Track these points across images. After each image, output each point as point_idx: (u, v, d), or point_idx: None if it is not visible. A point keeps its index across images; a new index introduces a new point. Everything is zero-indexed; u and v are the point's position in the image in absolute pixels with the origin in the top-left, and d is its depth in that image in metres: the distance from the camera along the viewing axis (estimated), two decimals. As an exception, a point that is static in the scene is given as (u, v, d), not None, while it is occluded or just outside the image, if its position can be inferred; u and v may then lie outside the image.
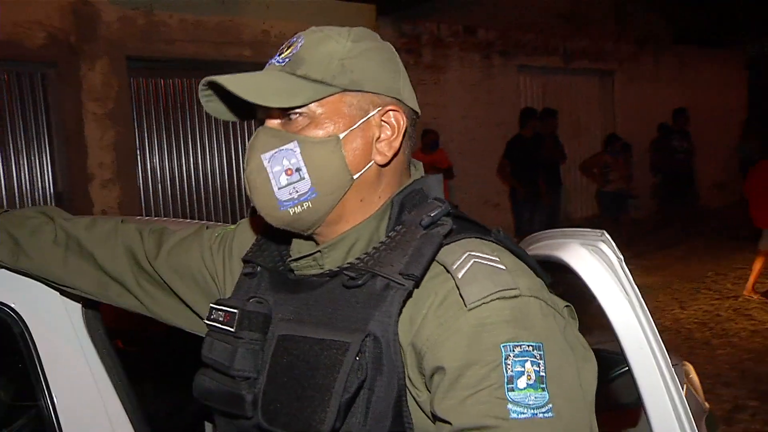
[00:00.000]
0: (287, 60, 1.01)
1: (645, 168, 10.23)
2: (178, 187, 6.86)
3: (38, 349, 1.31)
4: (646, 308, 1.12)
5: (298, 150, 0.98)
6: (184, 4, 6.55)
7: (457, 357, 0.86)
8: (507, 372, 0.83)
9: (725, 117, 12.17)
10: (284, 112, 0.99)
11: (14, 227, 1.31)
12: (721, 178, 11.93)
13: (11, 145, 5.93)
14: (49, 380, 1.31)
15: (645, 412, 1.10)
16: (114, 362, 1.40)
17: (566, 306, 0.96)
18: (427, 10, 8.50)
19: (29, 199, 6.03)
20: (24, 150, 6.00)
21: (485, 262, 0.91)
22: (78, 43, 6.03)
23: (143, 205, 6.58)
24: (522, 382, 0.83)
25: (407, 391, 0.92)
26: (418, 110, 1.07)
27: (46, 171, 6.14)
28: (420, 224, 0.96)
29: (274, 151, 0.99)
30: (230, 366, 1.01)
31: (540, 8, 9.99)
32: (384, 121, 1.02)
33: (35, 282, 1.35)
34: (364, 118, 1.00)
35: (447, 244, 0.95)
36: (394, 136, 1.02)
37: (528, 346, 0.85)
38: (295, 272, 1.07)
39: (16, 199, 5.95)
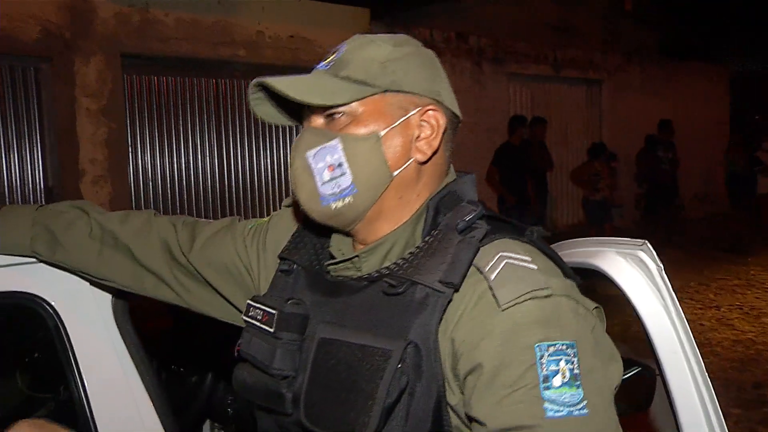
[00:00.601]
0: (331, 64, 1.05)
1: (629, 177, 10.36)
2: (169, 185, 6.84)
3: (71, 340, 1.33)
4: (684, 318, 1.15)
5: (340, 146, 1.01)
6: (180, 2, 6.54)
7: (492, 357, 0.87)
8: (542, 371, 0.85)
9: (708, 130, 12.35)
10: (328, 113, 1.03)
11: (50, 221, 1.33)
12: (704, 189, 12.10)
13: (2, 138, 5.88)
14: (81, 371, 1.33)
15: (677, 423, 1.12)
16: (141, 354, 1.42)
17: (596, 307, 0.98)
18: (420, 15, 8.56)
19: (19, 194, 5.98)
20: (15, 144, 5.96)
21: (517, 263, 0.93)
22: (73, 39, 6.00)
23: (134, 202, 6.55)
24: (557, 381, 0.84)
25: (445, 397, 0.93)
26: (460, 114, 1.10)
27: (37, 166, 6.09)
28: (456, 229, 0.99)
29: (318, 149, 1.02)
30: (269, 365, 1.04)
31: (531, 17, 10.10)
32: (424, 121, 1.05)
33: (68, 275, 1.37)
34: (404, 117, 1.03)
35: (482, 246, 0.97)
36: (433, 136, 1.05)
37: (561, 345, 0.86)
38: (332, 273, 1.10)
39: (6, 193, 5.90)
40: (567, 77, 10.49)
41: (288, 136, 7.67)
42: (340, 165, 1.01)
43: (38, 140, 6.07)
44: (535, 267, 0.94)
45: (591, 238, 1.29)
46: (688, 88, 12.19)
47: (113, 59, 6.23)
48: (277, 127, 7.49)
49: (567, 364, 0.85)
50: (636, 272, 1.16)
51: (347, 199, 1.02)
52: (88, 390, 1.33)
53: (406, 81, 1.04)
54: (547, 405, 0.83)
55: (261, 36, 7.17)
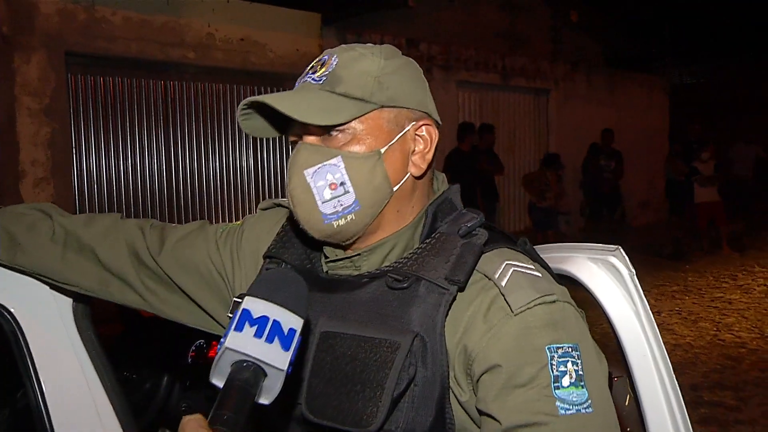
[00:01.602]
0: (324, 78, 1.05)
1: (575, 185, 10.61)
2: (115, 188, 6.66)
3: (30, 346, 1.29)
4: (654, 322, 1.18)
5: (342, 165, 1.02)
6: (128, 1, 6.39)
7: (506, 359, 0.92)
8: (553, 372, 0.91)
9: (650, 138, 12.76)
10: (325, 129, 1.03)
11: (10, 223, 1.28)
12: (646, 196, 12.48)
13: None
14: (40, 376, 1.29)
15: (645, 426, 1.16)
16: (102, 359, 1.38)
17: (580, 311, 1.04)
18: (371, 21, 8.58)
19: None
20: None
21: (524, 271, 0.99)
22: (12, 34, 5.78)
23: (77, 205, 6.35)
24: (566, 381, 0.91)
25: (451, 390, 0.97)
26: (440, 121, 1.13)
27: (-26, 166, 5.86)
28: (458, 233, 1.03)
29: (318, 167, 1.02)
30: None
31: (479, 25, 10.25)
32: (418, 135, 1.08)
33: (27, 279, 1.32)
34: (401, 133, 1.06)
35: (485, 252, 1.02)
36: (427, 149, 1.08)
37: (568, 347, 0.93)
38: (327, 272, 1.11)
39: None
40: (515, 86, 10.69)
41: (237, 138, 7.58)
42: (342, 184, 1.02)
43: (-25, 140, 5.84)
44: (540, 275, 1.00)
45: (563, 243, 1.32)
46: (630, 97, 12.57)
47: (56, 57, 6.04)
48: (225, 128, 7.40)
49: (573, 365, 0.92)
50: (607, 277, 1.19)
51: (350, 217, 1.03)
52: (47, 398, 1.28)
53: (400, 96, 1.05)
54: (558, 403, 0.89)
55: (211, 38, 7.07)
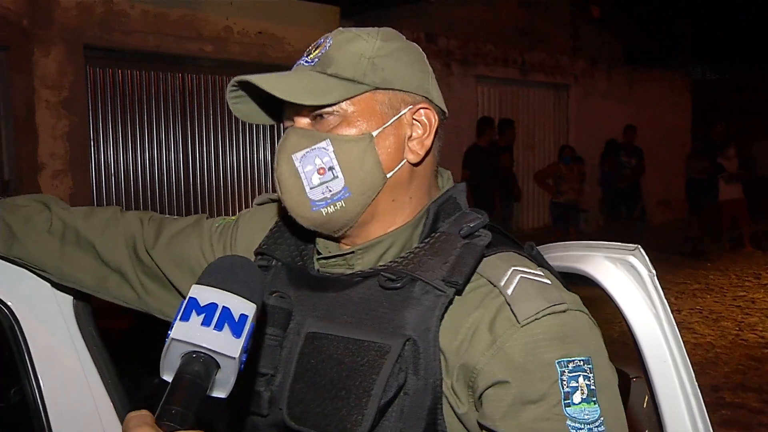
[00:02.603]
0: (316, 60, 0.99)
1: (594, 182, 10.49)
2: (132, 181, 6.68)
3: (29, 343, 1.26)
4: (675, 326, 1.13)
5: (330, 148, 0.96)
6: (145, -6, 6.40)
7: (513, 374, 0.86)
8: (563, 388, 0.85)
9: (671, 136, 12.59)
10: (315, 112, 0.97)
11: (7, 214, 1.25)
12: (666, 194, 12.32)
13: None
14: (39, 374, 1.26)
15: (663, 428, 1.10)
16: (104, 356, 1.35)
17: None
18: (389, 15, 8.54)
19: (-26, 188, 5.78)
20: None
21: (532, 278, 0.92)
22: (31, 27, 5.81)
23: (95, 198, 6.38)
24: (577, 397, 0.84)
25: (446, 399, 0.91)
26: (446, 111, 1.07)
27: (-8, 158, 5.90)
28: (459, 234, 0.97)
29: (305, 151, 0.97)
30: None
31: (499, 20, 10.16)
32: (415, 120, 1.01)
33: (28, 275, 1.29)
34: (396, 116, 0.99)
35: (487, 255, 0.95)
36: (425, 135, 1.01)
37: (579, 360, 0.86)
38: (319, 270, 1.05)
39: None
40: (534, 81, 10.59)
41: (255, 131, 7.57)
42: (331, 168, 0.96)
43: (-6, 131, 5.88)
44: (549, 282, 0.93)
45: (579, 242, 1.26)
46: (651, 94, 12.41)
47: (75, 50, 6.06)
48: (243, 124, 7.39)
49: (585, 380, 0.86)
50: (626, 278, 1.14)
51: (339, 204, 0.97)
52: (44, 394, 1.25)
53: (396, 78, 0.99)
54: (569, 423, 0.84)
55: (229, 31, 7.06)
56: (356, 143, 0.96)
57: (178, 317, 0.75)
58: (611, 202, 10.27)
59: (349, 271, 1.01)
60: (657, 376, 1.12)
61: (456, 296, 0.92)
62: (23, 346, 1.26)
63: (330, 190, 0.96)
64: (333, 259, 1.03)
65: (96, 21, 6.16)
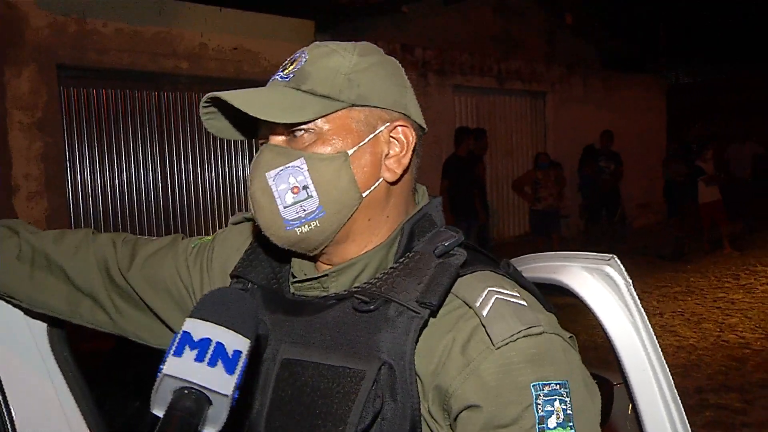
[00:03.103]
0: (291, 75, 0.97)
1: (574, 187, 10.57)
2: (110, 201, 6.61)
3: (0, 374, 1.22)
4: (653, 334, 1.13)
5: (305, 167, 0.94)
6: (118, 12, 6.35)
7: (486, 397, 0.84)
8: (538, 412, 0.83)
9: (647, 140, 12.73)
10: (290, 129, 0.96)
11: None
12: (645, 198, 12.44)
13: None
14: (11, 406, 1.23)
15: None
16: (81, 384, 1.32)
17: (570, 337, 0.95)
18: (365, 27, 8.56)
19: (-52, 212, 5.68)
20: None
21: (507, 299, 0.90)
22: (2, 47, 5.74)
23: (72, 219, 6.30)
24: (552, 422, 0.83)
25: (425, 423, 0.89)
26: (425, 126, 1.05)
27: (-35, 182, 5.81)
28: (434, 253, 0.94)
29: (279, 169, 0.95)
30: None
31: (474, 30, 10.24)
32: (393, 137, 0.99)
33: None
34: (373, 134, 0.97)
35: (462, 275, 0.94)
36: (403, 153, 0.99)
37: (556, 384, 0.85)
38: (294, 293, 1.03)
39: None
40: (511, 89, 10.66)
41: (233, 148, 7.53)
42: (305, 187, 0.94)
43: (-33, 155, 5.79)
44: (525, 303, 0.91)
45: (555, 252, 1.26)
46: (627, 99, 12.54)
47: (48, 70, 6.00)
48: (222, 140, 7.34)
49: (561, 404, 0.84)
50: (603, 288, 1.14)
51: (314, 224, 0.95)
52: (17, 427, 1.21)
53: (372, 94, 0.97)
54: None
55: (204, 48, 7.04)
56: (331, 162, 0.94)
57: (171, 352, 0.74)
58: (591, 207, 10.34)
59: (323, 294, 0.99)
60: (636, 384, 1.12)
61: (431, 318, 0.90)
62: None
63: (304, 210, 0.95)
64: (307, 282, 1.01)
65: (69, 40, 6.11)
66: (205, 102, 0.97)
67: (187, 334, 0.75)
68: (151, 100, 6.90)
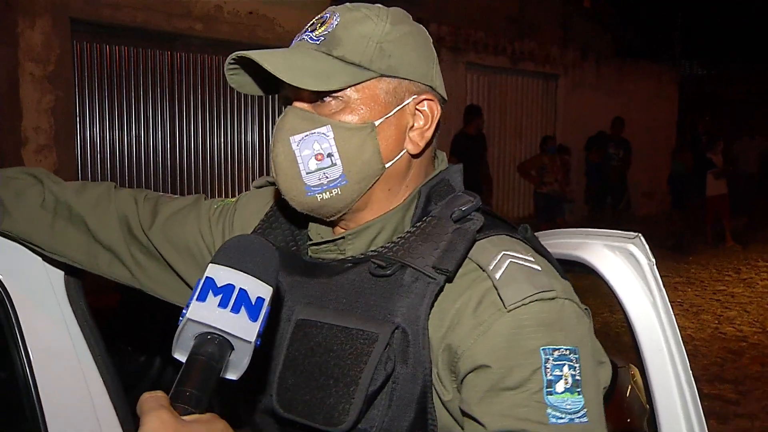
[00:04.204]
0: (322, 38, 0.96)
1: (580, 173, 10.54)
2: (118, 158, 6.61)
3: (18, 315, 1.24)
4: (673, 316, 1.13)
5: (331, 135, 0.94)
6: (135, -31, 6.30)
7: (495, 359, 0.85)
8: (546, 376, 0.83)
9: (657, 129, 12.66)
10: (317, 94, 0.95)
11: None
12: (650, 187, 12.41)
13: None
14: (29, 347, 1.25)
15: (656, 418, 1.11)
16: (94, 332, 1.33)
17: (584, 309, 0.95)
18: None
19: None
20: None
21: (521, 263, 0.90)
22: (16, -2, 5.70)
23: (80, 174, 6.30)
24: (560, 387, 0.83)
25: (434, 389, 0.90)
26: (446, 98, 1.05)
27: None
28: (451, 218, 0.95)
29: (304, 134, 0.94)
30: None
31: (490, 8, 10.13)
32: (418, 110, 0.99)
33: (18, 247, 1.27)
34: (399, 106, 0.97)
35: (479, 239, 0.94)
36: (427, 126, 1.00)
37: (565, 350, 0.85)
38: (311, 255, 1.04)
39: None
40: (524, 70, 10.58)
41: (243, 112, 7.50)
42: (330, 155, 0.94)
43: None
44: (539, 268, 0.91)
45: (579, 229, 1.26)
46: (639, 87, 12.45)
47: (61, 24, 5.95)
48: (231, 102, 7.33)
49: (570, 369, 0.84)
50: (625, 267, 1.13)
51: (335, 191, 0.96)
52: (35, 368, 1.24)
53: (402, 66, 0.97)
54: (549, 411, 0.82)
55: (219, 11, 6.97)
56: (357, 132, 0.94)
57: (194, 297, 0.74)
58: (597, 193, 10.32)
59: (340, 257, 1.00)
60: (652, 364, 1.12)
61: (447, 283, 0.90)
62: (13, 319, 1.24)
63: (327, 177, 0.95)
64: (324, 245, 1.02)
65: (84, -6, 6.06)
66: (232, 59, 0.96)
67: (210, 279, 0.75)
68: (164, 59, 6.86)
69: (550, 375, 0.83)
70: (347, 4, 1.01)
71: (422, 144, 0.99)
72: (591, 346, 0.89)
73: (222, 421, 0.70)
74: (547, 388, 0.83)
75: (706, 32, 15.21)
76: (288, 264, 1.04)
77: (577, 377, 0.84)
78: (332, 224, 1.03)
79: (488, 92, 10.21)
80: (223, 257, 0.78)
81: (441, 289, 0.90)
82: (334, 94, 0.94)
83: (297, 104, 0.97)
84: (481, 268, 0.91)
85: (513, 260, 0.90)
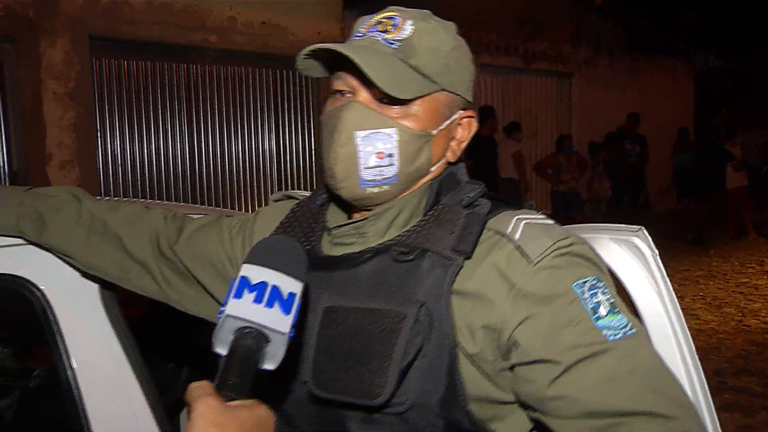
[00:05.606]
0: (398, 44, 1.02)
1: (603, 172, 10.48)
2: (138, 171, 6.72)
3: (59, 323, 1.31)
4: (677, 304, 1.17)
5: (396, 137, 1.01)
6: (149, -16, 6.42)
7: (539, 308, 0.92)
8: (587, 305, 0.91)
9: (673, 124, 12.57)
10: (387, 96, 1.00)
11: (39, 203, 1.30)
12: (667, 182, 12.33)
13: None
14: (70, 354, 1.31)
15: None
16: (129, 339, 1.40)
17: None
18: (392, 3, 8.52)
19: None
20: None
21: (536, 221, 0.99)
22: (37, 19, 5.84)
23: (102, 188, 6.42)
24: (603, 311, 0.92)
25: (469, 365, 0.95)
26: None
27: (0, 149, 5.93)
28: (461, 204, 1.03)
29: (370, 132, 1.00)
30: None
31: (501, 9, 10.15)
32: (459, 124, 1.09)
33: (59, 261, 1.34)
34: (450, 119, 1.06)
35: (489, 220, 1.02)
36: (464, 139, 1.10)
37: (593, 280, 0.94)
38: (335, 241, 1.10)
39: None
40: (537, 69, 10.58)
41: (260, 122, 7.60)
42: (390, 155, 1.01)
43: (2, 123, 5.90)
44: (552, 222, 1.00)
45: (585, 224, 1.31)
46: (654, 82, 12.39)
47: (81, 41, 6.09)
48: (248, 113, 7.43)
49: (603, 296, 0.93)
50: (630, 258, 1.18)
51: (385, 187, 1.03)
52: (77, 374, 1.30)
53: (457, 82, 1.06)
54: (605, 332, 0.90)
55: (233, 22, 7.08)
56: (418, 138, 1.02)
57: (231, 295, 0.79)
58: (614, 190, 10.28)
59: (358, 249, 1.06)
60: (659, 351, 1.16)
61: (466, 260, 0.97)
62: (54, 328, 1.31)
63: (382, 174, 1.02)
64: (345, 229, 1.08)
65: (101, 11, 6.19)
66: (314, 49, 1.01)
67: (244, 278, 0.81)
68: (180, 72, 6.98)
69: (591, 304, 0.91)
70: (414, 10, 1.07)
71: (459, 154, 1.10)
72: (609, 277, 0.98)
73: (263, 406, 0.76)
74: (593, 315, 0.91)
75: (721, 23, 15.07)
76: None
77: (611, 300, 0.93)
78: (353, 211, 1.10)
79: (502, 93, 10.23)
80: (255, 257, 0.84)
81: (461, 268, 0.97)
82: (407, 102, 1.02)
83: (361, 98, 1.02)
84: (499, 233, 0.98)
85: (527, 221, 0.99)
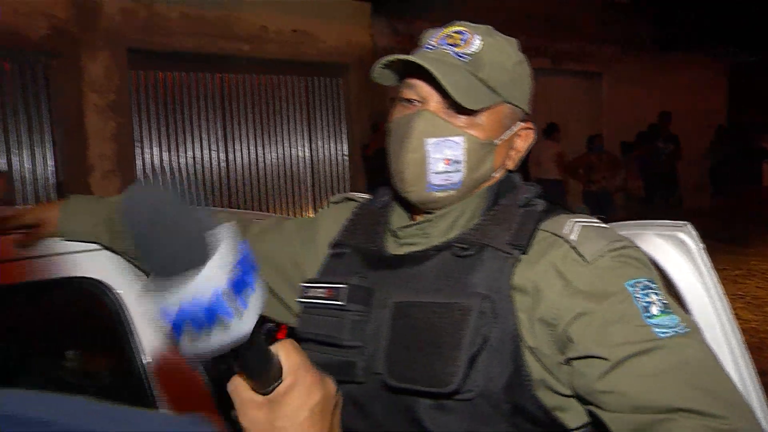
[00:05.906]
0: (468, 58, 1.09)
1: (635, 171, 10.40)
2: (176, 180, 6.86)
3: (134, 328, 1.39)
4: (724, 296, 1.20)
5: (463, 145, 1.08)
6: (184, -3, 6.58)
7: (592, 304, 0.96)
8: (639, 303, 0.95)
9: (706, 122, 12.41)
10: (456, 106, 1.07)
11: (108, 210, 1.38)
12: (700, 180, 12.18)
13: (14, 134, 5.91)
14: (142, 353, 1.39)
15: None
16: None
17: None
18: (421, 8, 8.58)
19: (31, 189, 6.02)
20: (26, 139, 5.99)
21: (590, 224, 1.05)
22: (80, 34, 6.03)
23: (142, 197, 6.57)
24: (654, 310, 0.95)
25: (528, 355, 1.01)
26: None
27: (47, 161, 6.12)
28: (517, 204, 1.10)
29: (440, 139, 1.07)
30: (340, 337, 1.10)
31: (528, 9, 10.14)
32: (519, 135, 1.16)
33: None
34: (512, 130, 1.13)
35: (545, 219, 1.08)
36: (523, 149, 1.17)
37: (646, 281, 0.98)
38: (400, 241, 1.16)
39: (19, 188, 5.94)
40: (566, 69, 10.54)
41: (292, 129, 7.71)
42: (457, 162, 1.08)
43: (48, 135, 6.10)
44: (606, 226, 1.06)
45: (630, 221, 1.33)
46: (685, 79, 12.24)
47: (119, 54, 6.27)
48: (281, 121, 7.55)
49: (655, 296, 0.96)
50: (676, 253, 1.20)
51: (450, 192, 1.10)
52: (149, 371, 1.39)
53: (519, 95, 1.13)
54: (655, 329, 0.93)
55: (264, 30, 7.21)
56: (483, 147, 1.09)
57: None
58: (647, 188, 10.19)
59: (422, 248, 1.12)
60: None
61: (522, 255, 1.04)
62: (128, 330, 1.40)
63: (448, 180, 1.09)
64: (411, 229, 1.15)
65: (138, 25, 6.36)
66: (393, 59, 1.08)
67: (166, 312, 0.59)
68: (214, 82, 7.13)
69: (643, 302, 0.95)
70: (481, 25, 1.14)
71: (517, 162, 1.16)
72: (662, 282, 1.02)
73: (319, 392, 0.71)
74: (644, 313, 0.94)
75: (754, 18, 14.81)
76: (371, 261, 1.17)
77: (664, 301, 0.96)
78: (417, 213, 1.16)
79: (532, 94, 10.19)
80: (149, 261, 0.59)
81: (518, 261, 1.03)
82: (474, 113, 1.08)
83: (431, 107, 1.09)
84: (556, 235, 1.04)
85: (582, 224, 1.04)
